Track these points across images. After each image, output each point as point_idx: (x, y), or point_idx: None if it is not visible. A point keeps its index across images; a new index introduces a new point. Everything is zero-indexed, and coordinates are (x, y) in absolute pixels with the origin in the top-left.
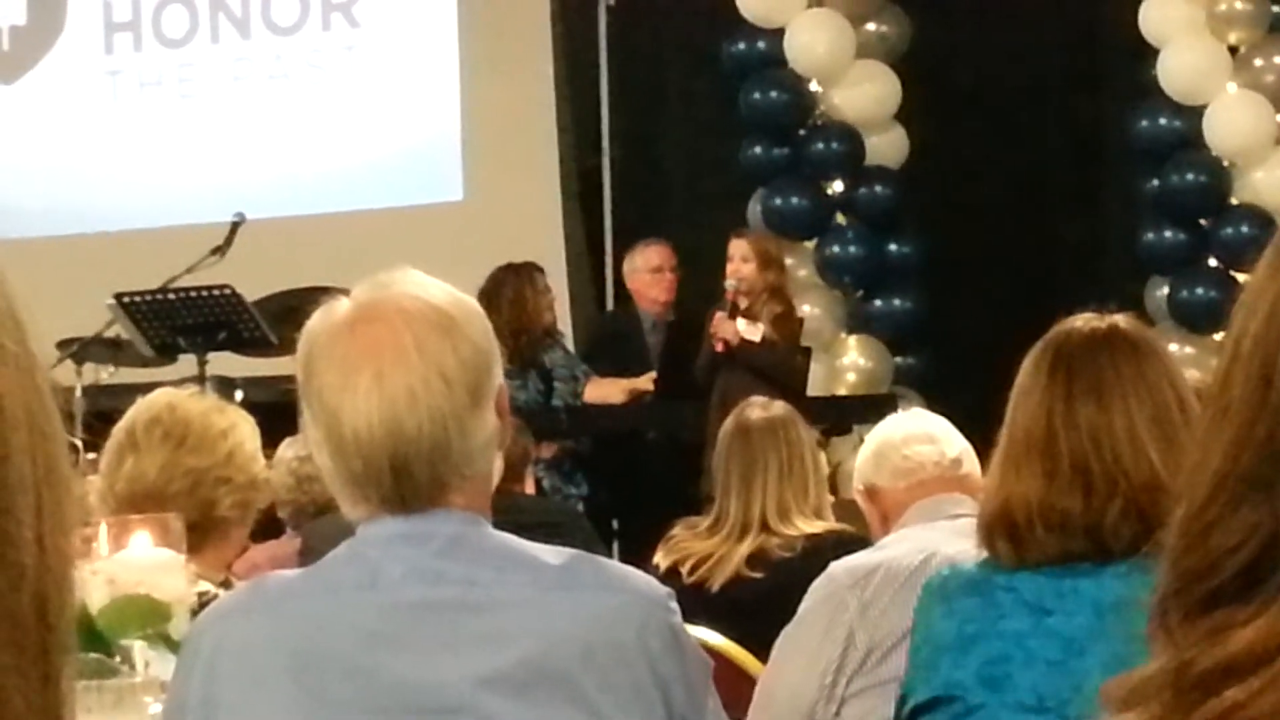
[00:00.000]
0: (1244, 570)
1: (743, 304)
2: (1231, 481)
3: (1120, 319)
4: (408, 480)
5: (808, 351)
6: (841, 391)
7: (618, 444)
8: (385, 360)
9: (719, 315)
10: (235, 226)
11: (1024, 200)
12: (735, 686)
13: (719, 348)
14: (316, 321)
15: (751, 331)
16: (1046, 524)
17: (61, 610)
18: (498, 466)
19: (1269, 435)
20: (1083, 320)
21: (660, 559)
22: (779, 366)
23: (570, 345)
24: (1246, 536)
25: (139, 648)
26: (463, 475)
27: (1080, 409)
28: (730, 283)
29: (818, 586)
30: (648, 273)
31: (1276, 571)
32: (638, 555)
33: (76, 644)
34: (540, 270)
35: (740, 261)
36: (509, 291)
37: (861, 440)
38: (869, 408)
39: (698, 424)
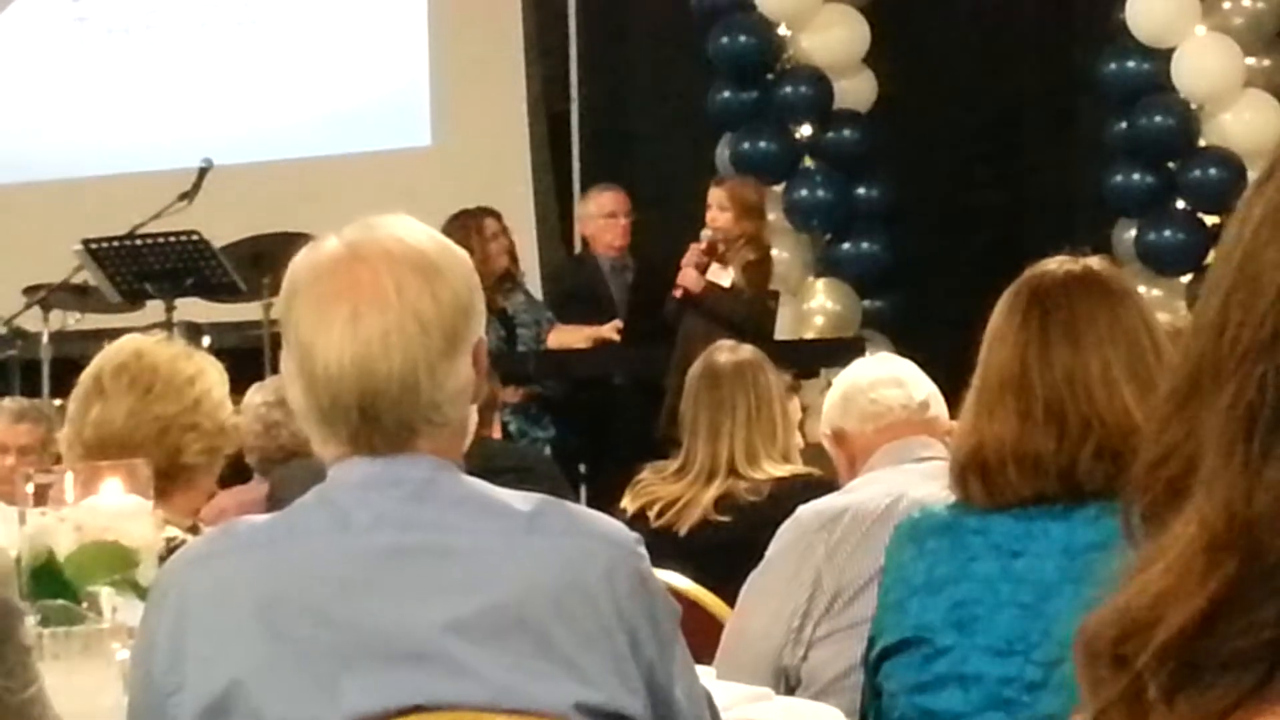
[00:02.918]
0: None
1: (721, 249)
2: (1178, 389)
3: (1094, 262)
4: (375, 421)
5: (775, 295)
6: (809, 335)
7: (584, 388)
8: (363, 300)
9: (685, 259)
10: (203, 172)
11: (992, 143)
12: (703, 631)
13: (677, 294)
14: (302, 257)
15: (721, 276)
16: (1020, 465)
17: None
18: (471, 417)
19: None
20: (1057, 263)
21: (627, 503)
22: (740, 313)
23: (538, 290)
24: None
25: (106, 594)
26: (431, 421)
27: (1055, 351)
28: (706, 232)
29: (785, 530)
30: (601, 218)
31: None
32: (605, 499)
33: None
34: (493, 215)
35: (717, 210)
36: (455, 241)
37: (829, 384)
38: (837, 351)
39: (666, 368)
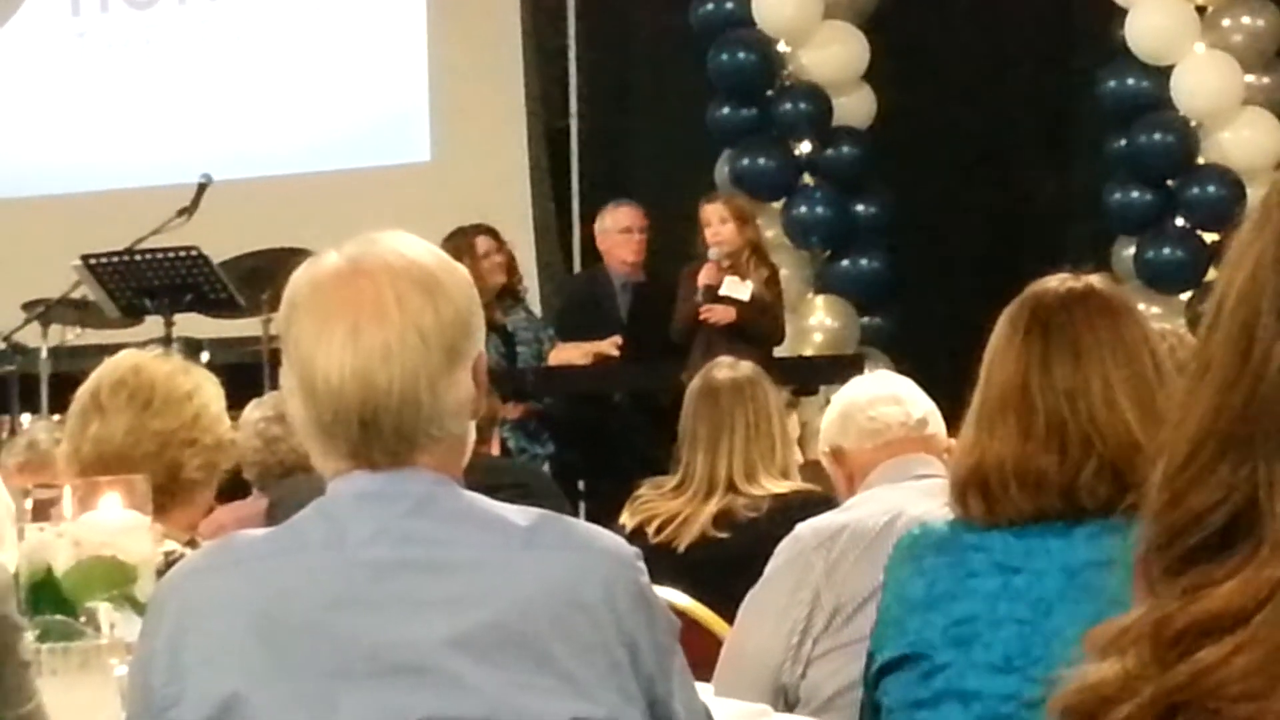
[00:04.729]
0: (1221, 529)
1: (725, 264)
2: (1210, 441)
3: (1096, 279)
4: (375, 434)
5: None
6: (808, 352)
7: (584, 404)
8: (364, 313)
9: (705, 286)
10: (202, 188)
11: (991, 160)
12: (702, 647)
13: (704, 318)
14: (302, 271)
15: (740, 289)
16: (1021, 483)
17: None
18: (471, 432)
19: (1248, 395)
20: (1058, 280)
21: (626, 519)
22: (766, 325)
23: (538, 306)
24: (1224, 496)
25: (104, 609)
26: (431, 435)
27: (1056, 368)
28: (714, 250)
29: (784, 547)
30: (617, 233)
31: (1253, 531)
32: (604, 516)
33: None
34: (486, 232)
35: (719, 224)
36: None
37: (828, 401)
38: (836, 368)
39: (666, 384)
